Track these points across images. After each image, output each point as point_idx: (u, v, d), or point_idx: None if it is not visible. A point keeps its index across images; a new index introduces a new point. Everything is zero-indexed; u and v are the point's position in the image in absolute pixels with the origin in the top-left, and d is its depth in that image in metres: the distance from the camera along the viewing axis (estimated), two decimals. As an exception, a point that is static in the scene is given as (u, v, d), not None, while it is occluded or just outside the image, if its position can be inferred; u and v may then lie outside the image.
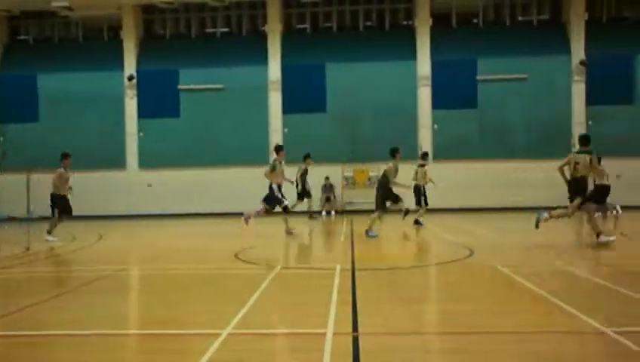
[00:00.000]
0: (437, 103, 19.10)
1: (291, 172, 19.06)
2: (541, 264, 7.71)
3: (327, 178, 18.85)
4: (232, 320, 4.69)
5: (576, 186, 9.45)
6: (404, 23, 20.25)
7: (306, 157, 15.96)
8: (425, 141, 19.08)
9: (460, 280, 6.91)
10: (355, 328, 4.52)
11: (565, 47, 18.96)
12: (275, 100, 19.66)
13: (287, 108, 19.47)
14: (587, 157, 9.35)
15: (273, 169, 11.84)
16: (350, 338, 4.24)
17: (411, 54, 19.35)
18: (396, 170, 11.32)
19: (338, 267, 7.57)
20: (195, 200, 19.16)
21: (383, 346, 4.09)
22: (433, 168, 18.80)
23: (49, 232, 11.56)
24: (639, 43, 18.78)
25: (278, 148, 12.56)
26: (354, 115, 19.29)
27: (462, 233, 12.28)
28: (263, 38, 19.90)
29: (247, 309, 5.14)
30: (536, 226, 9.60)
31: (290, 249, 10.53)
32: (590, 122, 18.58)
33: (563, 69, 18.85)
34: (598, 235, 9.19)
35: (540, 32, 19.58)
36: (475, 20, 20.09)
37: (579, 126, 18.61)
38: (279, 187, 11.90)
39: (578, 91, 18.75)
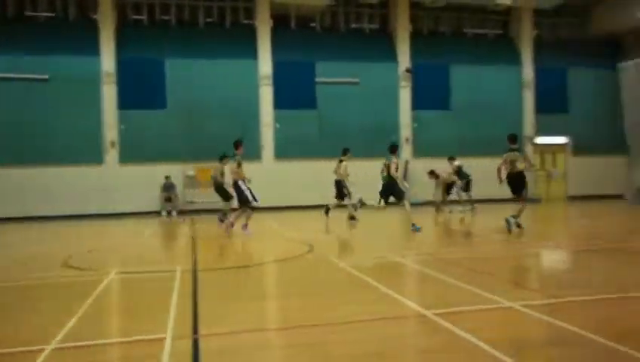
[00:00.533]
0: (278, 103, 19.50)
1: (129, 171, 18.17)
2: (375, 256, 8.31)
3: (167, 177, 18.18)
4: (58, 333, 4.32)
5: (519, 181, 10.77)
6: (246, 22, 20.30)
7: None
8: (266, 140, 19.37)
9: (300, 275, 7.17)
10: (195, 330, 4.46)
11: (393, 55, 20.60)
12: (109, 95, 18.38)
13: (124, 104, 18.33)
14: (519, 154, 11.00)
15: (239, 165, 11.36)
16: (191, 341, 4.17)
17: (253, 53, 19.48)
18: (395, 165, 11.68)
19: (179, 268, 7.38)
20: (15, 203, 17.21)
21: (223, 347, 4.10)
22: (274, 166, 19.34)
23: None
24: (454, 55, 21.13)
25: (239, 143, 12.02)
26: (195, 113, 18.85)
27: (303, 230, 12.73)
28: (94, 28, 18.49)
29: (76, 320, 4.77)
30: (509, 231, 10.51)
31: (128, 252, 9.96)
32: (415, 125, 20.47)
33: (391, 75, 20.47)
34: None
35: (371, 39, 21.03)
36: (312, 24, 20.88)
37: (405, 128, 20.40)
38: (244, 182, 11.51)
39: (404, 96, 20.51)
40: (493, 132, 20.88)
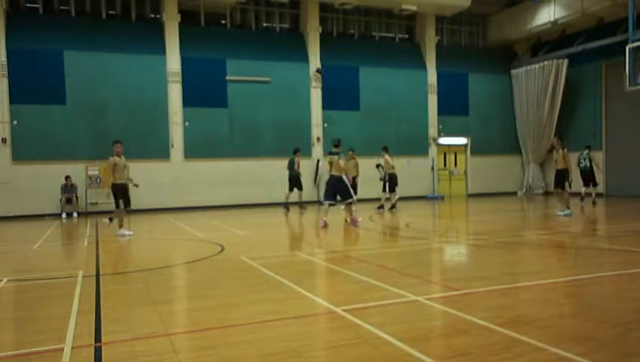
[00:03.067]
0: (187, 101, 18.98)
1: (24, 171, 16.89)
2: (285, 255, 8.34)
3: (67, 177, 17.11)
4: (-61, 349, 3.94)
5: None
6: (152, 16, 19.57)
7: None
8: (176, 138, 18.80)
9: (208, 276, 7.04)
10: (98, 338, 4.24)
11: (304, 55, 20.78)
12: (-1, 88, 16.95)
13: (16, 98, 16.98)
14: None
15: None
16: (92, 350, 3.96)
17: (160, 49, 18.80)
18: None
19: (81, 273, 6.99)
20: None
21: (128, 353, 3.92)
22: (183, 166, 18.84)
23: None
24: (363, 57, 21.69)
25: (339, 142, 12.64)
26: (99, 109, 17.87)
27: (212, 230, 12.50)
28: (-19, 15, 16.98)
29: (-39, 334, 4.38)
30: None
31: (22, 257, 9.26)
32: (326, 124, 20.77)
33: (303, 75, 20.62)
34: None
35: (283, 39, 21.07)
36: (223, 22, 20.55)
37: (317, 127, 20.66)
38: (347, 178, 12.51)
39: (315, 96, 20.75)
40: (400, 132, 21.76)
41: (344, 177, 12.31)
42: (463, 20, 24.32)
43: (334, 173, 12.30)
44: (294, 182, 17.23)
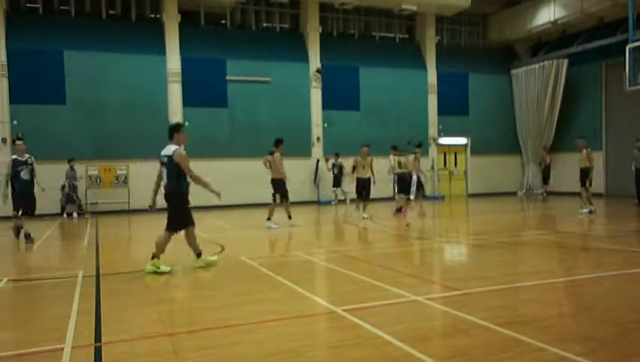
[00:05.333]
0: (187, 100, 18.98)
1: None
2: (285, 255, 8.34)
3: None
4: (-61, 349, 3.94)
5: (406, 181, 13.81)
6: (152, 16, 19.57)
7: None
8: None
9: (208, 276, 7.04)
10: (98, 338, 4.24)
11: (304, 56, 20.77)
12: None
13: (16, 98, 16.97)
14: (411, 157, 14.23)
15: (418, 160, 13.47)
16: (92, 350, 3.96)
17: (160, 49, 18.79)
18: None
19: (81, 273, 6.99)
20: None
21: (128, 353, 3.93)
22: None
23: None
24: (364, 57, 21.69)
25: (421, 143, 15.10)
26: (99, 109, 17.86)
27: (213, 230, 12.50)
28: (-19, 15, 16.96)
29: (-39, 334, 4.38)
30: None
31: (22, 257, 9.27)
32: (326, 125, 20.77)
33: (303, 75, 20.61)
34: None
35: (283, 39, 21.06)
36: (223, 22, 20.55)
37: (317, 127, 20.65)
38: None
39: (315, 96, 20.74)
40: (400, 132, 21.74)
41: (414, 174, 14.10)
42: (463, 20, 24.31)
43: (404, 170, 13.99)
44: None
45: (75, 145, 17.54)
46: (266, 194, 19.55)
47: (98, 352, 3.92)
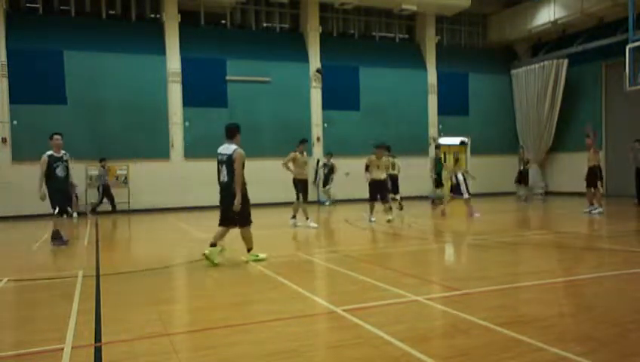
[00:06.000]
0: (187, 100, 18.98)
1: (24, 170, 16.88)
2: (285, 255, 8.33)
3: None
4: (-61, 349, 3.94)
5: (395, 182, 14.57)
6: (152, 16, 19.57)
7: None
8: (176, 138, 18.80)
9: (208, 276, 7.03)
10: (98, 338, 4.24)
11: (304, 55, 20.77)
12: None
13: (16, 98, 16.97)
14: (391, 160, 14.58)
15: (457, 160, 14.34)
16: (92, 350, 3.96)
17: (160, 49, 18.79)
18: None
19: (81, 273, 6.99)
20: None
21: (128, 353, 3.93)
22: (184, 166, 18.83)
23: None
24: (364, 57, 21.69)
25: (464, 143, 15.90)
26: (99, 109, 17.85)
27: (213, 230, 12.47)
28: (-19, 15, 16.95)
29: (-39, 334, 4.38)
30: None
31: (22, 257, 9.26)
32: (326, 125, 20.78)
33: (303, 75, 20.61)
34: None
35: (283, 39, 21.06)
36: (223, 22, 20.55)
37: (317, 127, 20.65)
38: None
39: (315, 96, 20.74)
40: (400, 132, 21.74)
41: (458, 174, 14.41)
42: (463, 20, 24.31)
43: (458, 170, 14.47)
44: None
45: (76, 145, 17.44)
46: (265, 194, 19.61)
47: (98, 352, 3.92)
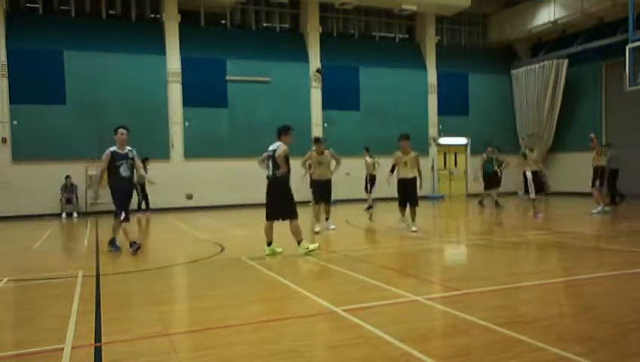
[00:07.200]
0: (187, 100, 18.98)
1: (24, 170, 16.88)
2: (285, 255, 8.32)
3: (67, 177, 17.11)
4: (-61, 349, 3.94)
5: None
6: (152, 16, 19.57)
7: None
8: (176, 138, 18.80)
9: (208, 277, 7.04)
10: (97, 338, 4.24)
11: (304, 55, 20.77)
12: (-1, 88, 16.93)
13: (16, 98, 16.98)
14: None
15: (525, 157, 12.90)
16: (92, 350, 3.96)
17: (160, 49, 18.79)
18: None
19: (80, 274, 6.99)
20: None
21: (128, 353, 3.93)
22: (184, 166, 18.82)
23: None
24: (363, 57, 21.68)
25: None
26: (99, 109, 17.84)
27: (213, 230, 12.51)
28: (-19, 15, 16.95)
29: (-39, 334, 4.38)
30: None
31: (22, 257, 9.26)
32: (326, 124, 20.77)
33: (303, 75, 20.61)
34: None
35: (283, 39, 21.06)
36: (223, 22, 20.56)
37: (317, 127, 20.64)
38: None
39: (315, 96, 20.74)
40: (400, 132, 21.66)
41: (527, 171, 13.29)
42: (463, 20, 24.31)
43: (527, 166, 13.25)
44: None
45: (76, 145, 17.52)
46: (264, 194, 19.52)
47: (98, 352, 3.92)
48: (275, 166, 8.03)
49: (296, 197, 8.50)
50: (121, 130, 8.99)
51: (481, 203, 17.24)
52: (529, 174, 13.21)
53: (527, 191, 13.50)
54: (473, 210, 17.43)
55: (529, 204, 13.96)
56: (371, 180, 16.33)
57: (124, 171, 8.82)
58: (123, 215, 8.77)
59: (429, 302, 5.14)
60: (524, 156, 13.57)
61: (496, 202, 16.23)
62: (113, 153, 8.82)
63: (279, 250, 8.29)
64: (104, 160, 8.78)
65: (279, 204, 8.14)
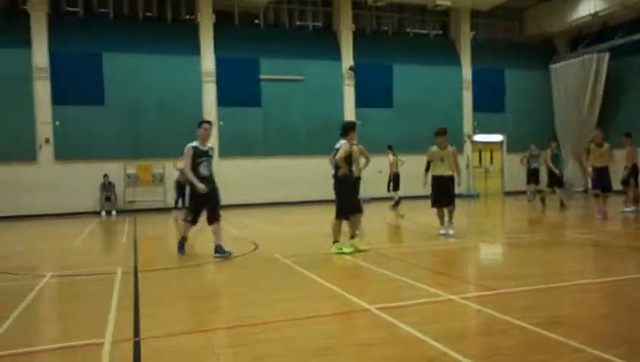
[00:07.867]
0: (222, 100, 19.24)
1: (65, 170, 17.43)
2: (319, 253, 8.35)
3: (105, 176, 17.59)
4: (-12, 341, 4.11)
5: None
6: (187, 17, 19.90)
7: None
8: (212, 137, 19.04)
9: (243, 274, 7.12)
10: (136, 333, 4.35)
11: (337, 53, 20.76)
12: (41, 90, 17.52)
13: (59, 99, 17.56)
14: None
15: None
16: (131, 345, 4.07)
17: (195, 49, 19.11)
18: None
19: (120, 270, 7.17)
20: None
21: (166, 348, 4.01)
22: (218, 165, 19.02)
23: None
24: (397, 54, 21.52)
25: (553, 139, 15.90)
26: (135, 109, 18.30)
27: (248, 228, 12.63)
28: (24, 19, 17.56)
29: (6, 327, 4.56)
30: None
31: (65, 254, 9.57)
32: (359, 122, 20.67)
33: (336, 73, 20.61)
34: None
35: (315, 37, 21.11)
36: (256, 21, 20.73)
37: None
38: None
39: (348, 94, 20.71)
40: (434, 129, 21.42)
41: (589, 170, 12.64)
42: (498, 14, 23.84)
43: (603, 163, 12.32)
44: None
45: (113, 145, 18.00)
46: (299, 192, 19.71)
47: (137, 347, 4.02)
48: (337, 166, 8.05)
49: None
50: (205, 125, 8.22)
51: (542, 200, 15.99)
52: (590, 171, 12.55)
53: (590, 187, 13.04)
54: (509, 208, 17.11)
55: (592, 201, 13.21)
56: (395, 178, 16.37)
57: (204, 169, 8.01)
58: (190, 218, 8.36)
59: (463, 301, 5.07)
60: (588, 152, 13.05)
61: (561, 201, 15.07)
62: (195, 149, 8.02)
63: (361, 247, 8.23)
64: (187, 154, 7.97)
65: (344, 200, 8.17)
